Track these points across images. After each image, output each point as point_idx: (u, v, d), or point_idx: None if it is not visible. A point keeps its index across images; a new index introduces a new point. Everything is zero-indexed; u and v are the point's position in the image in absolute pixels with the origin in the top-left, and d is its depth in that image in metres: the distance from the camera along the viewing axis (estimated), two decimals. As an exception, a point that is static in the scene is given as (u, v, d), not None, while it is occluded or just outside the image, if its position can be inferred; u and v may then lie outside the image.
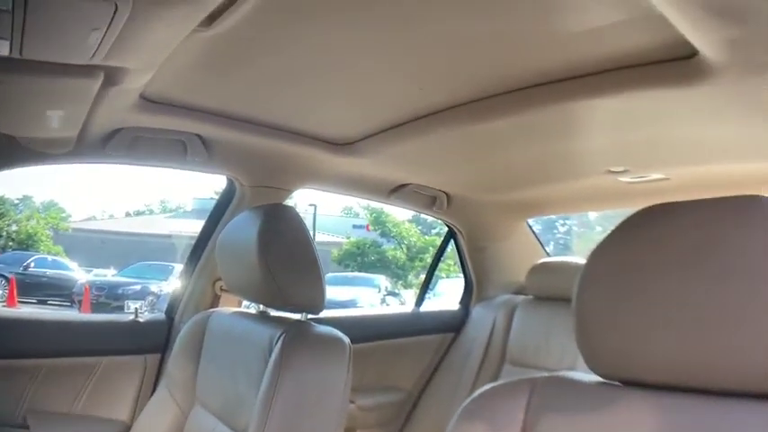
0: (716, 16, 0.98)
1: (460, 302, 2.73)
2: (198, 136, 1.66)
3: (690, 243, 0.71)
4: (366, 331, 2.40)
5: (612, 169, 1.89)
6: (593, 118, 1.50)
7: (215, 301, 1.87)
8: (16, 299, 10.80)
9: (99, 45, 1.00)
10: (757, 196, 0.71)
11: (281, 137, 1.70)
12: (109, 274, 13.10)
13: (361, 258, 18.37)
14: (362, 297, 11.88)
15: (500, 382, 0.92)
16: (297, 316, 1.42)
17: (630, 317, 0.75)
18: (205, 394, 1.50)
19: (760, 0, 0.93)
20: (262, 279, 1.33)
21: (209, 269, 1.86)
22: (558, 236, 16.64)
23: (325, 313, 2.29)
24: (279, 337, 1.26)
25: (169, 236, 16.27)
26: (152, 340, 1.84)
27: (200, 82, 1.44)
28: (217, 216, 1.91)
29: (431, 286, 2.94)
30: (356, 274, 15.98)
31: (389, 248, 18.17)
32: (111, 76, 1.17)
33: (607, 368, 0.80)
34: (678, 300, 0.70)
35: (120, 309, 11.02)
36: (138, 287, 11.05)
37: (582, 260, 2.33)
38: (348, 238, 18.60)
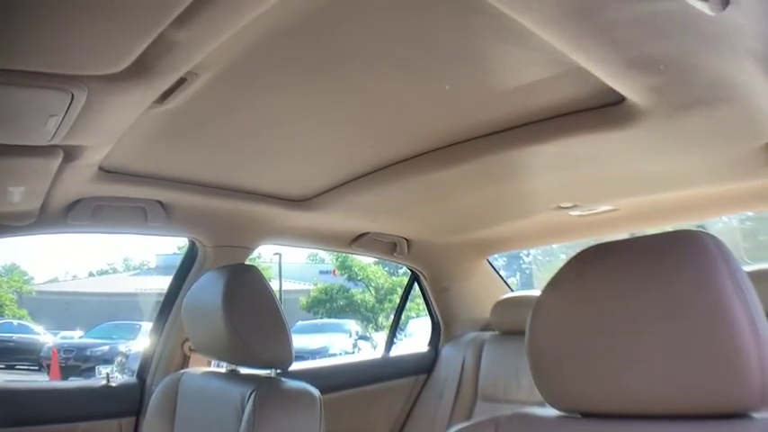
0: (635, 67, 1.07)
1: (429, 344, 2.76)
2: (158, 202, 1.70)
3: (632, 278, 0.76)
4: (337, 380, 2.41)
5: (562, 205, 1.97)
6: (538, 162, 1.58)
7: (185, 362, 1.88)
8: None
9: (57, 129, 1.04)
10: (692, 232, 0.76)
11: (240, 197, 1.75)
12: (76, 336, 12.76)
13: (330, 304, 18.22)
14: (334, 343, 11.81)
15: (468, 423, 0.96)
16: (266, 372, 1.44)
17: (580, 350, 0.79)
18: None
19: (673, 50, 1.02)
20: (229, 339, 1.35)
21: (176, 330, 1.87)
22: (525, 266, 16.80)
23: (296, 365, 2.32)
24: (250, 395, 1.28)
25: (134, 294, 15.99)
26: (125, 404, 1.83)
27: (158, 151, 1.48)
28: (181, 277, 1.93)
29: (401, 327, 2.97)
30: (326, 320, 15.85)
31: (357, 292, 18.08)
32: (70, 154, 1.21)
33: (564, 402, 0.85)
34: (623, 332, 0.75)
35: (90, 371, 10.72)
36: (106, 348, 10.82)
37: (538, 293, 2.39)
38: (315, 284, 18.48)
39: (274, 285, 18.41)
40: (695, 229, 0.80)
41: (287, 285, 18.34)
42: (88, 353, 10.92)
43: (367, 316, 17.45)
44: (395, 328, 2.79)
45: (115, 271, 22.76)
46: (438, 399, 2.46)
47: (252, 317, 1.37)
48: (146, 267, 21.24)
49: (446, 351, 2.65)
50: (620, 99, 1.22)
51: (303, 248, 2.48)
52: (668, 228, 2.38)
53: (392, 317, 2.84)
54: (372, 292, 17.58)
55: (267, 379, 1.38)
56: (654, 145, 1.43)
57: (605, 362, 0.77)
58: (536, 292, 2.42)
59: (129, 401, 1.84)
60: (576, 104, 1.30)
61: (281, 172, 1.70)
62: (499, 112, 1.36)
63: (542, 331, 0.84)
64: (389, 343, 2.70)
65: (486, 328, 2.61)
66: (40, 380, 10.79)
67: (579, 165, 1.60)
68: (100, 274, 22.53)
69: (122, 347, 10.42)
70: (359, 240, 2.26)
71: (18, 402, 1.71)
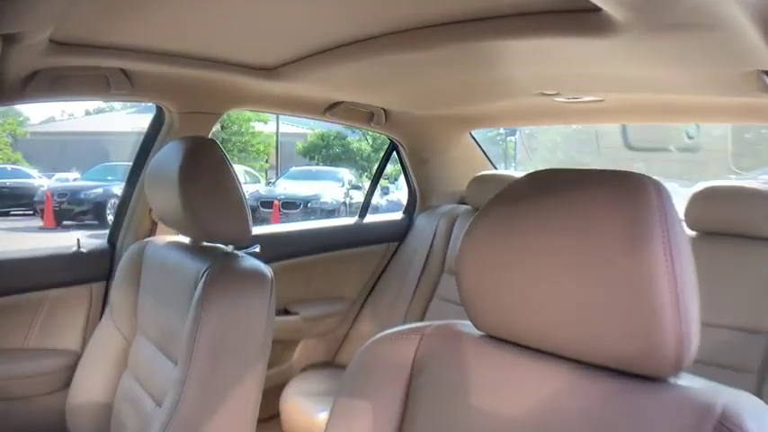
0: None
1: (404, 212, 2.80)
2: (121, 70, 1.63)
3: (563, 216, 0.74)
4: (311, 244, 2.47)
5: (545, 92, 1.91)
6: (513, 54, 1.52)
7: (153, 229, 1.90)
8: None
9: None
10: (636, 178, 0.72)
11: (205, 65, 1.67)
12: (71, 178, 12.86)
13: (326, 150, 18.28)
14: (326, 192, 11.96)
15: (394, 330, 0.99)
16: (226, 246, 1.47)
17: (503, 280, 0.79)
18: (145, 323, 1.56)
19: None
20: (184, 213, 1.36)
21: (144, 197, 1.88)
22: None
23: (268, 229, 2.35)
24: (204, 273, 1.31)
25: (131, 133, 15.93)
26: (96, 269, 1.88)
27: (116, 21, 1.40)
28: (148, 144, 1.90)
29: (393, 179, 2.97)
30: (320, 168, 15.97)
31: (354, 140, 18.06)
32: (9, 40, 1.15)
33: (487, 326, 0.86)
34: (544, 269, 0.74)
35: (84, 214, 10.97)
36: (100, 190, 10.93)
37: (517, 174, 2.40)
38: (313, 129, 18.41)
39: (271, 128, 18.40)
40: (640, 173, 0.74)
41: (284, 128, 18.30)
42: (82, 196, 11.06)
43: (362, 165, 17.57)
44: (370, 195, 2.80)
45: (112, 109, 22.52)
46: (407, 267, 2.54)
47: (207, 193, 1.37)
48: (144, 105, 20.91)
49: (420, 221, 2.69)
50: (597, 8, 1.14)
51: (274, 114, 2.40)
52: (658, 123, 2.35)
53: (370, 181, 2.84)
54: (369, 141, 17.56)
55: (222, 256, 1.40)
56: (633, 56, 1.38)
57: (525, 296, 0.77)
58: (515, 174, 2.45)
59: (100, 267, 1.88)
60: (552, 4, 1.22)
61: (247, 40, 1.61)
62: (473, 1, 1.27)
63: (471, 257, 0.84)
64: (364, 209, 2.73)
65: (462, 201, 2.64)
66: (34, 225, 11.08)
67: (557, 62, 1.54)
68: (97, 113, 22.33)
69: (117, 189, 10.58)
70: (333, 109, 2.21)
71: None
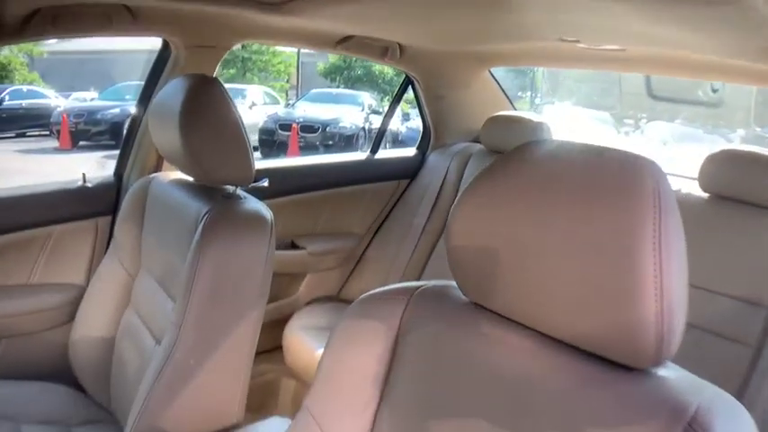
0: None
1: (417, 148, 2.75)
2: (123, 6, 1.57)
3: (557, 190, 0.72)
4: (320, 179, 2.45)
5: (564, 38, 1.83)
6: (534, 1, 1.44)
7: (159, 164, 1.89)
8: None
9: None
10: (636, 160, 0.69)
11: None
12: (88, 98, 12.72)
13: (348, 72, 18.00)
14: (346, 115, 11.83)
15: (383, 289, 0.98)
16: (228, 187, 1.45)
17: (493, 252, 0.78)
18: (148, 261, 1.58)
19: None
20: (185, 152, 1.35)
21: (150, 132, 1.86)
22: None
23: (277, 163, 2.33)
24: (204, 216, 1.31)
25: (153, 51, 15.65)
26: (102, 204, 1.88)
27: None
28: (153, 79, 1.87)
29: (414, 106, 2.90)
30: (340, 90, 15.74)
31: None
32: None
33: (473, 294, 0.86)
34: (533, 245, 0.72)
35: (101, 134, 10.94)
36: (117, 110, 10.80)
37: (536, 117, 2.33)
38: (335, 50, 18.02)
39: (292, 48, 18.10)
40: (641, 155, 0.71)
41: (305, 48, 17.92)
42: (99, 116, 10.97)
43: (384, 89, 17.30)
44: (383, 130, 2.76)
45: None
46: (417, 204, 2.52)
47: (209, 133, 1.35)
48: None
49: (433, 158, 2.65)
50: None
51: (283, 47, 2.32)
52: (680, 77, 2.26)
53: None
54: (391, 64, 17.20)
55: (223, 198, 1.39)
56: (656, 15, 1.31)
57: (512, 270, 0.76)
58: (531, 116, 2.38)
59: (106, 201, 1.88)
60: None
61: None
62: None
63: (461, 223, 0.82)
64: (376, 144, 2.69)
65: (477, 140, 2.59)
66: (50, 146, 11.09)
67: (579, 11, 1.46)
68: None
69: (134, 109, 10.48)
70: (345, 43, 2.13)
71: None
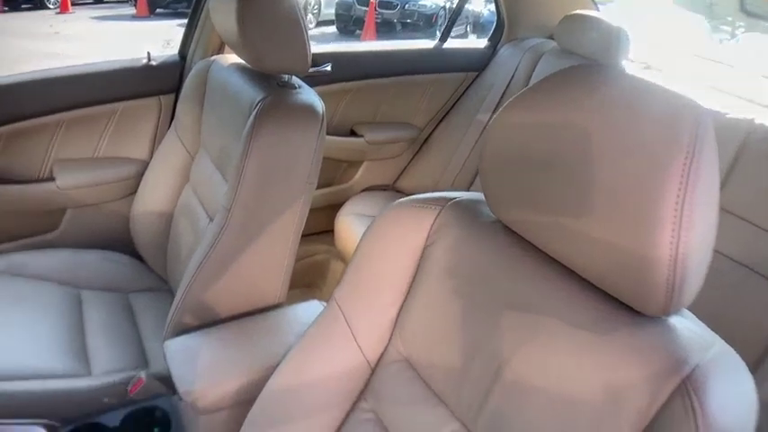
0: None
1: (489, 40, 2.65)
2: None
3: (596, 121, 0.70)
4: (384, 66, 2.41)
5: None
6: None
7: (222, 46, 1.89)
8: (69, 3, 10.72)
9: None
10: (683, 101, 0.66)
11: None
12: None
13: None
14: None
15: (418, 196, 1.00)
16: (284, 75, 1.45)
17: (525, 174, 0.78)
18: (207, 141, 1.63)
19: None
20: (241, 38, 1.35)
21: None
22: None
23: (340, 47, 2.30)
24: (257, 104, 1.33)
25: None
26: (165, 82, 1.91)
27: None
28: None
29: None
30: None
31: None
32: None
33: (498, 211, 0.86)
34: (568, 172, 0.72)
35: (177, 1, 10.74)
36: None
37: (612, 23, 2.18)
38: None
39: None
40: (689, 98, 0.67)
41: None
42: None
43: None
44: (454, 18, 2.65)
45: None
46: (481, 101, 2.46)
47: (264, 19, 1.34)
48: None
49: (504, 52, 2.54)
50: None
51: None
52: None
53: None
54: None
55: (278, 87, 1.40)
56: None
57: (541, 195, 0.76)
58: (609, 20, 2.23)
59: (170, 80, 1.91)
60: None
61: None
62: None
63: (497, 143, 0.81)
64: (446, 33, 2.59)
65: (551, 38, 2.46)
66: (127, 13, 11.07)
67: None
68: None
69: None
70: None
71: (60, 89, 1.78)
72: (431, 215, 0.96)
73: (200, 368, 1.20)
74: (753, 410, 0.67)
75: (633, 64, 2.21)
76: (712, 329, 0.73)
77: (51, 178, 1.81)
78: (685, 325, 0.71)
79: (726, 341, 0.71)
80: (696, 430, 0.62)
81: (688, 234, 0.63)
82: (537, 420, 0.77)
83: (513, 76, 2.41)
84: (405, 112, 2.49)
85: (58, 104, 1.76)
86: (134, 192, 1.81)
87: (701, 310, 0.78)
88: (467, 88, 2.56)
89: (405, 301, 0.98)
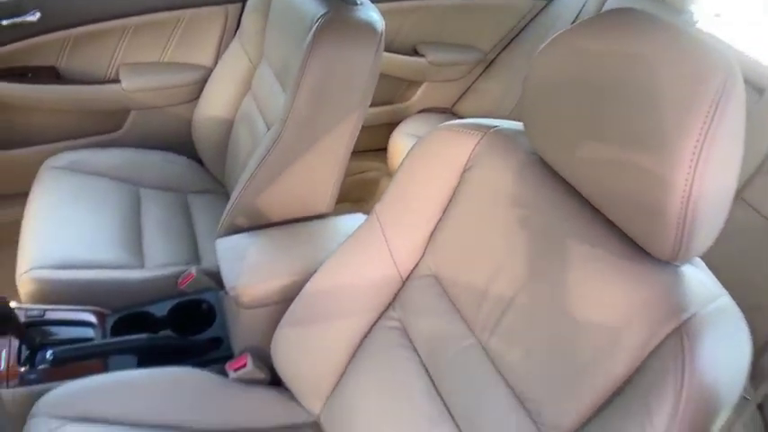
0: None
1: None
2: None
3: (632, 64, 0.71)
4: None
5: None
6: None
7: None
8: None
9: None
10: (715, 54, 0.66)
11: None
12: None
13: None
14: None
15: (461, 121, 1.02)
16: None
17: (563, 109, 0.80)
18: (269, 51, 1.65)
19: None
20: None
21: None
22: None
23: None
24: (318, 18, 1.35)
25: None
26: None
27: None
28: None
29: None
30: None
31: None
32: None
33: (534, 141, 0.89)
34: (602, 109, 0.73)
35: None
36: None
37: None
38: None
39: None
40: (722, 54, 0.67)
41: None
42: None
43: None
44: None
45: None
46: (549, 29, 2.37)
47: None
48: None
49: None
50: None
51: None
52: None
53: None
54: None
55: (339, 3, 1.41)
56: None
57: (577, 132, 0.77)
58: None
59: None
60: None
61: None
62: None
63: (539, 77, 0.83)
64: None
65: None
66: None
67: None
68: None
69: None
70: None
71: None
72: (473, 140, 0.98)
73: (247, 266, 1.28)
74: (742, 368, 0.69)
75: (703, 11, 2.09)
76: (741, 294, 0.74)
77: (117, 80, 1.87)
78: (694, 275, 0.73)
79: (753, 307, 0.72)
80: (682, 375, 0.65)
81: (702, 180, 0.64)
82: (542, 344, 0.82)
83: (582, 8, 2.33)
84: (470, 35, 2.44)
85: (126, 9, 1.79)
86: (197, 97, 1.87)
87: (733, 272, 0.79)
88: (535, 15, 2.48)
89: (440, 220, 1.03)
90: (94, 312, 1.45)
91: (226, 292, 1.27)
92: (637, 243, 0.75)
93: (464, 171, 0.99)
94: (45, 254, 1.47)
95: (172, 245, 1.62)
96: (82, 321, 1.42)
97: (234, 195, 1.41)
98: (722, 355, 0.68)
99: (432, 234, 1.04)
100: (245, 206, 1.40)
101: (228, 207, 1.43)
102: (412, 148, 1.06)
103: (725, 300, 0.72)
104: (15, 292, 1.46)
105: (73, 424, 1.09)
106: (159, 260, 1.56)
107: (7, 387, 1.23)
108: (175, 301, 1.48)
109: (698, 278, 0.73)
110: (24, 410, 1.12)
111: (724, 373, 0.67)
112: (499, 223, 0.91)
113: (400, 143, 2.22)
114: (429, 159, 1.04)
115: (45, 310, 1.39)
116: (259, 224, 1.43)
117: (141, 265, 1.54)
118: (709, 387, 0.65)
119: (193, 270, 1.47)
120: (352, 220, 1.43)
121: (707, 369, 0.65)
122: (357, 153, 1.46)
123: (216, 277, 1.50)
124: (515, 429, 0.85)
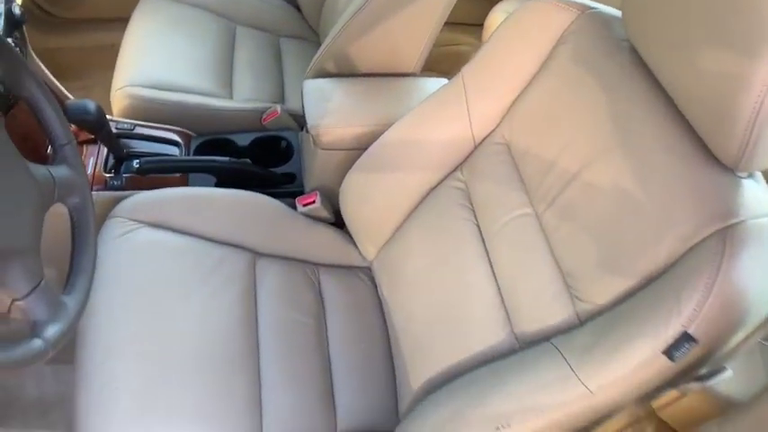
0: None
1: None
2: None
3: None
4: None
5: None
6: None
7: None
8: None
9: None
10: None
11: None
12: None
13: None
14: None
15: None
16: None
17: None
18: None
19: None
20: None
21: None
22: None
23: None
24: None
25: None
26: None
27: None
28: None
29: None
30: None
31: None
32: None
33: (627, 28, 0.87)
34: (699, 10, 0.71)
35: None
36: None
37: None
38: None
39: None
40: None
41: None
42: None
43: None
44: None
45: None
46: None
47: None
48: None
49: None
50: None
51: None
52: None
53: None
54: None
55: None
56: None
57: (672, 19, 0.75)
58: None
59: None
60: None
61: None
62: None
63: None
64: None
65: None
66: None
67: None
68: None
69: None
70: None
71: None
72: (569, 17, 0.97)
73: (330, 109, 1.32)
74: None
75: None
76: None
77: None
78: (752, 187, 0.73)
79: None
80: (716, 275, 0.66)
81: None
82: (594, 222, 0.85)
83: None
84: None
85: None
86: None
87: None
88: None
89: (523, 90, 1.03)
90: (181, 133, 1.54)
91: (307, 131, 1.33)
92: (706, 149, 0.74)
93: (556, 46, 0.98)
94: (140, 73, 1.55)
95: (260, 82, 1.68)
96: (168, 140, 1.52)
97: (326, 41, 1.44)
98: (759, 268, 0.68)
99: (512, 103, 1.05)
100: (335, 53, 1.42)
101: (320, 52, 1.45)
102: (508, 17, 1.05)
103: None
104: (110, 109, 1.55)
105: (148, 228, 1.19)
106: (247, 95, 1.62)
107: (92, 191, 1.32)
108: (257, 135, 1.55)
109: (755, 191, 0.73)
110: (106, 213, 1.22)
111: (756, 286, 0.68)
112: (580, 101, 0.91)
113: (498, 20, 2.15)
114: (524, 30, 1.03)
115: (135, 125, 1.49)
116: (346, 73, 1.45)
117: (229, 97, 1.61)
118: (739, 294, 0.66)
119: (278, 108, 1.52)
120: (437, 84, 1.44)
121: (740, 276, 0.66)
122: (452, 24, 1.44)
123: (297, 119, 1.56)
124: (551, 298, 0.90)
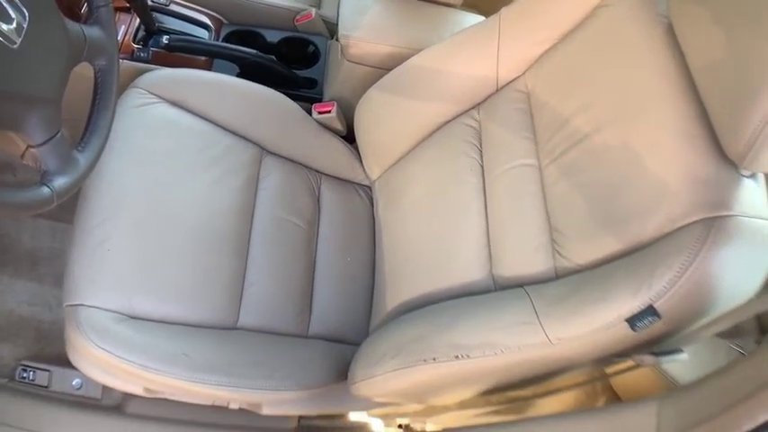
0: None
1: None
2: None
3: None
4: None
5: None
6: None
7: None
8: None
9: None
10: None
11: None
12: None
13: None
14: None
15: None
16: None
17: None
18: None
19: None
20: None
21: None
22: None
23: None
24: None
25: None
26: None
27: None
28: None
29: None
30: None
31: None
32: None
33: (673, 13, 0.86)
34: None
35: None
36: None
37: None
38: None
39: None
40: None
41: None
42: None
43: None
44: None
45: None
46: None
47: None
48: None
49: None
50: None
51: None
52: None
53: None
54: None
55: None
56: None
57: (714, 8, 0.75)
58: None
59: None
60: None
61: None
62: None
63: None
64: None
65: None
66: None
67: None
68: None
69: None
70: None
71: None
72: None
73: (364, 23, 1.31)
74: (748, 287, 0.71)
75: None
76: None
77: None
78: (751, 188, 0.74)
79: None
80: (694, 259, 0.68)
81: None
82: (592, 185, 0.88)
83: None
84: None
85: None
86: None
87: None
88: None
89: (556, 43, 1.03)
90: (213, 18, 1.53)
91: (336, 40, 1.32)
92: (715, 139, 0.75)
93: (598, 6, 0.97)
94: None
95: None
96: (200, 22, 1.52)
97: None
98: (735, 264, 0.70)
99: (541, 55, 1.05)
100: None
101: None
102: None
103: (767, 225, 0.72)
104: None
105: (166, 105, 1.20)
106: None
107: (119, 58, 1.35)
108: (287, 35, 1.54)
109: (752, 191, 0.74)
110: (127, 83, 1.22)
111: (728, 280, 0.69)
112: (605, 67, 0.92)
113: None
114: None
115: (171, 1, 1.47)
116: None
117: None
118: (709, 283, 0.68)
119: (313, 12, 1.51)
120: (474, 20, 1.43)
121: (715, 267, 0.68)
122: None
123: (330, 26, 1.54)
124: (534, 249, 0.93)
